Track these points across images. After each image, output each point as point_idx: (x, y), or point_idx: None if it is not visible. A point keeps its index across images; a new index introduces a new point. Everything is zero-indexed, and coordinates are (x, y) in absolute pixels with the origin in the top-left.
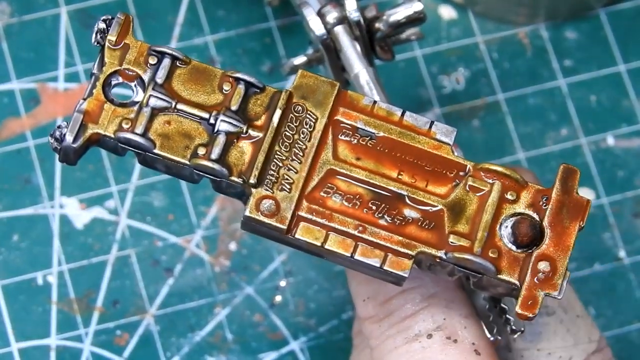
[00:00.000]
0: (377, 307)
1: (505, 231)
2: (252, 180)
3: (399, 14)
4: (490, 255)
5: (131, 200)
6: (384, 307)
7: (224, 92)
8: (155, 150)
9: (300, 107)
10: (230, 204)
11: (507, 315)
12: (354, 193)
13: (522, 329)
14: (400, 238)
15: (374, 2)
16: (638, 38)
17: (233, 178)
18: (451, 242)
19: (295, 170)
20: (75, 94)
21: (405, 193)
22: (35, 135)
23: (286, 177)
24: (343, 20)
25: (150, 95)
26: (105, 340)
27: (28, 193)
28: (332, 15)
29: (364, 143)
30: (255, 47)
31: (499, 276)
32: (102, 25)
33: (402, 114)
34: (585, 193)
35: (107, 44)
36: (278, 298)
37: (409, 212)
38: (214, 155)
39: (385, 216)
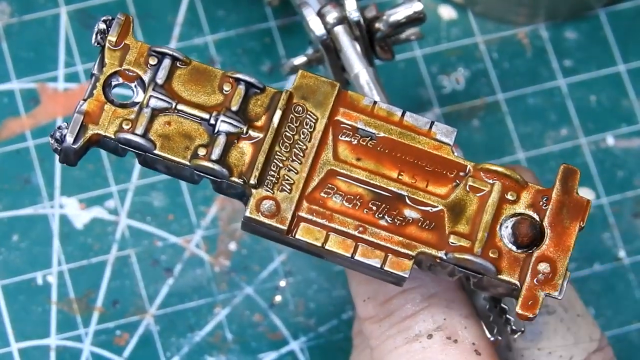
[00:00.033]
0: (378, 307)
1: (505, 231)
2: (252, 181)
3: (399, 14)
4: (491, 255)
5: (131, 200)
6: (384, 307)
7: (224, 92)
8: (156, 151)
9: (300, 108)
10: (230, 204)
11: (508, 315)
12: (354, 193)
13: (523, 329)
14: (401, 238)
15: (374, 2)
16: (638, 38)
17: (233, 179)
18: (451, 243)
19: (295, 171)
20: (75, 94)
21: (405, 193)
22: (35, 135)
23: (286, 177)
24: (343, 20)
25: (151, 96)
26: (105, 340)
27: (28, 193)
28: (332, 16)
29: (364, 143)
30: (255, 47)
31: (499, 276)
32: (102, 26)
33: (403, 115)
34: (585, 193)
35: (107, 44)
36: (278, 298)
37: (409, 213)
38: (214, 156)
39: (386, 217)
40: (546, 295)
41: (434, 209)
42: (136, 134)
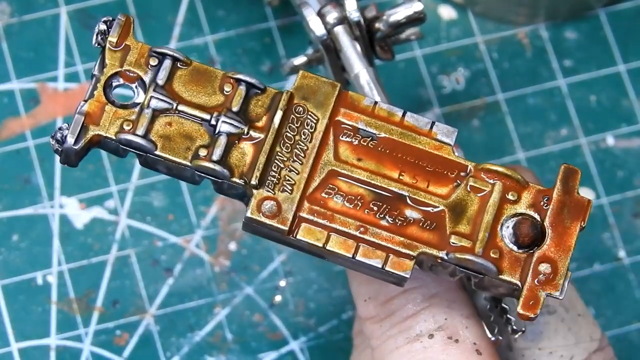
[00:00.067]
0: (378, 307)
1: (506, 231)
2: (253, 182)
3: (399, 14)
4: (492, 255)
5: (131, 200)
6: (385, 307)
7: (225, 93)
8: (157, 152)
9: (301, 108)
10: (230, 204)
11: (508, 315)
12: (355, 194)
13: (524, 328)
14: (402, 239)
15: (374, 2)
16: (638, 38)
17: (234, 179)
18: (452, 243)
19: (296, 171)
20: (75, 94)
21: (406, 194)
22: (35, 135)
23: (287, 178)
24: (343, 20)
25: (152, 97)
26: (105, 340)
27: (28, 193)
28: (332, 16)
29: (365, 144)
30: (255, 47)
31: (500, 277)
32: (103, 27)
33: (403, 115)
34: (585, 193)
35: (107, 45)
36: (278, 298)
37: (410, 213)
38: (215, 157)
39: (387, 217)
40: (547, 295)
41: (435, 209)
42: (137, 135)
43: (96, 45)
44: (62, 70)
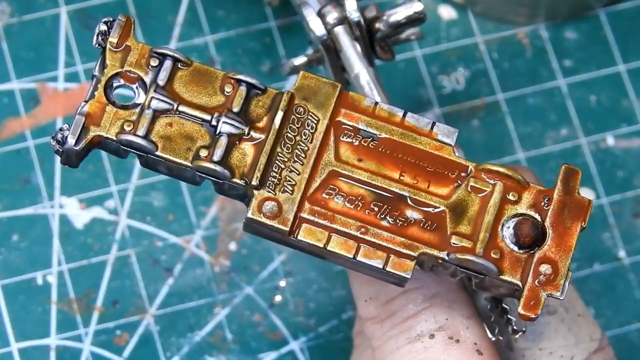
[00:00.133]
0: (379, 308)
1: (507, 232)
2: (254, 182)
3: (399, 14)
4: (493, 256)
5: (131, 200)
6: (386, 307)
7: (226, 93)
8: (157, 153)
9: (302, 109)
10: (230, 204)
11: (509, 316)
12: (356, 194)
13: (524, 329)
14: (403, 239)
15: (374, 2)
16: (638, 38)
17: (235, 180)
18: (453, 243)
19: (297, 172)
20: (75, 94)
21: (407, 194)
22: (35, 135)
23: (288, 178)
24: (343, 20)
25: (152, 97)
26: (105, 340)
27: (28, 193)
28: (332, 16)
29: (365, 144)
30: (255, 47)
31: (501, 277)
32: (104, 27)
33: (404, 115)
34: (585, 193)
35: (108, 46)
36: (278, 298)
37: (411, 213)
38: (216, 157)
39: (388, 217)
40: (548, 295)
41: (436, 210)
42: (138, 136)
43: (97, 45)
44: (62, 70)
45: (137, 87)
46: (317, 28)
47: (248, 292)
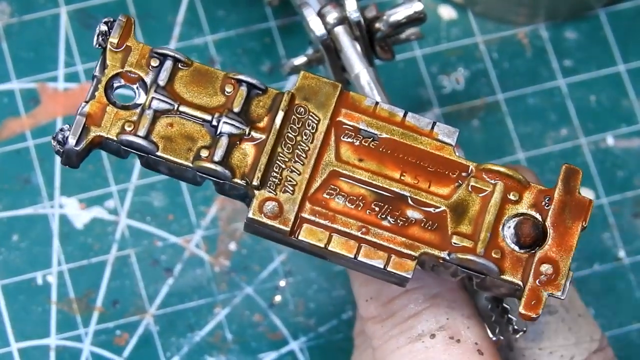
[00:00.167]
0: (380, 308)
1: (508, 232)
2: (255, 182)
3: (399, 14)
4: (493, 255)
5: (131, 200)
6: (387, 307)
7: (226, 94)
8: (158, 153)
9: (302, 109)
10: (230, 204)
11: (509, 315)
12: (356, 194)
13: (525, 328)
14: (404, 239)
15: (374, 2)
16: (638, 38)
17: (236, 180)
18: (454, 243)
19: (298, 172)
20: (75, 94)
21: (408, 194)
22: (35, 135)
23: (289, 178)
24: (343, 20)
25: (153, 98)
26: (105, 340)
27: (28, 193)
28: (332, 16)
29: (366, 144)
30: (255, 47)
31: (502, 277)
32: (104, 28)
33: (404, 115)
34: (585, 193)
35: (108, 46)
36: (278, 298)
37: (411, 213)
38: (216, 157)
39: (388, 217)
40: (549, 295)
41: (437, 210)
42: (138, 136)
43: (97, 46)
44: (62, 70)
45: (137, 88)
46: (317, 28)
47: (248, 292)
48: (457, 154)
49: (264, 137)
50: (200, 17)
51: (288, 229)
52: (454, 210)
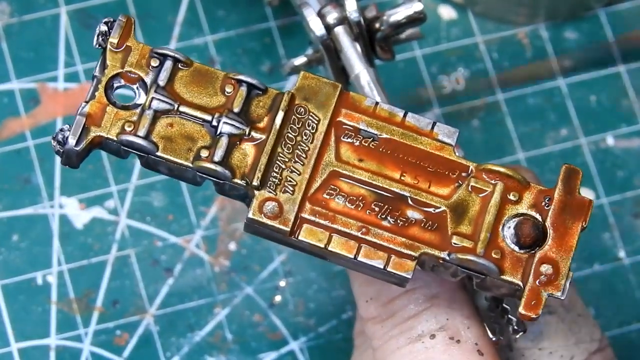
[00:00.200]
0: (380, 308)
1: (508, 232)
2: (255, 183)
3: (399, 14)
4: (493, 256)
5: (131, 200)
6: (387, 307)
7: (226, 94)
8: (158, 153)
9: (302, 109)
10: (230, 204)
11: (509, 315)
12: (356, 194)
13: (524, 328)
14: (403, 239)
15: (374, 2)
16: (638, 38)
17: (236, 180)
18: (454, 243)
19: (298, 172)
20: (75, 94)
21: (408, 194)
22: (35, 135)
23: (289, 179)
24: (343, 20)
25: (153, 98)
26: (105, 340)
27: (28, 193)
28: (332, 16)
29: (366, 144)
30: (255, 47)
31: (502, 277)
32: (104, 28)
33: (404, 115)
34: (585, 193)
35: (108, 46)
36: (278, 298)
37: (411, 214)
38: (216, 158)
39: (388, 217)
40: (549, 295)
41: (437, 210)
42: (138, 136)
43: (97, 46)
44: (62, 70)
45: (137, 88)
46: (317, 28)
47: (248, 292)
48: (457, 154)
49: (264, 137)
50: (200, 17)
51: (288, 229)
52: (454, 211)
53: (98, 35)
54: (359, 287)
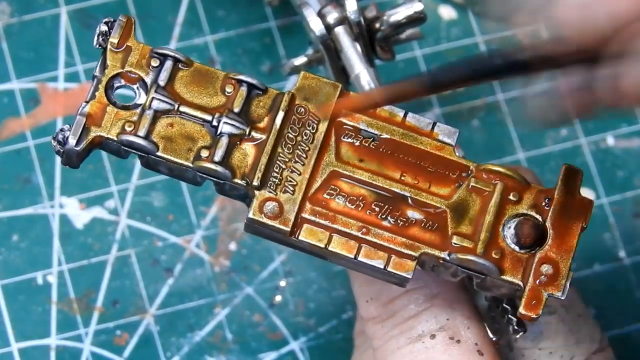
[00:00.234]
0: (380, 308)
1: (508, 232)
2: (255, 183)
3: (399, 14)
4: (494, 256)
5: (131, 200)
6: (387, 307)
7: (227, 94)
8: (158, 153)
9: (302, 109)
10: (230, 204)
11: (509, 315)
12: (357, 194)
13: (524, 329)
14: (404, 239)
15: (374, 2)
16: None
17: (236, 180)
18: (454, 243)
19: (298, 172)
20: (75, 93)
21: (408, 194)
22: (35, 135)
23: (289, 179)
24: (343, 20)
25: (153, 98)
26: (105, 340)
27: (28, 193)
28: (332, 16)
29: (366, 144)
30: (255, 47)
31: (502, 277)
32: (104, 28)
33: (405, 115)
34: (585, 193)
35: (109, 46)
36: (278, 298)
37: (412, 214)
38: (217, 158)
39: (389, 217)
40: (549, 295)
41: (437, 210)
42: (139, 136)
43: (97, 46)
44: (62, 70)
45: (138, 88)
46: (317, 28)
47: (248, 292)
48: (457, 154)
49: (264, 137)
50: (200, 17)
51: (288, 229)
52: (454, 211)
53: (98, 35)
54: (359, 287)
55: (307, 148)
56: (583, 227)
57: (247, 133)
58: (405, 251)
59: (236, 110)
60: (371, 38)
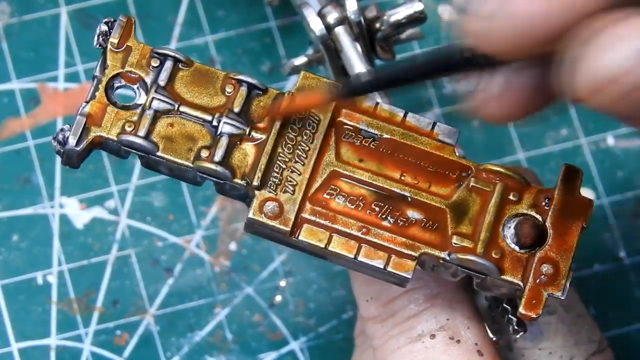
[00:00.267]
0: (380, 308)
1: (508, 232)
2: (255, 183)
3: (399, 14)
4: (494, 256)
5: (131, 200)
6: (387, 307)
7: (227, 94)
8: (159, 153)
9: None
10: (230, 204)
11: (510, 315)
12: (357, 194)
13: (525, 329)
14: (404, 239)
15: (374, 2)
16: None
17: (236, 180)
18: (454, 243)
19: (298, 172)
20: (75, 93)
21: (408, 194)
22: (35, 135)
23: (289, 179)
24: (343, 20)
25: (153, 98)
26: (105, 340)
27: (28, 193)
28: (332, 16)
29: (366, 144)
30: (255, 47)
31: (502, 277)
32: (104, 28)
33: (405, 115)
34: (586, 193)
35: (109, 46)
36: (278, 298)
37: (412, 214)
38: (217, 158)
39: (389, 217)
40: (549, 295)
41: (437, 210)
42: (139, 136)
43: (97, 46)
44: (62, 70)
45: (138, 88)
46: (317, 28)
47: (248, 292)
48: (457, 154)
49: (264, 137)
50: (200, 17)
51: (288, 229)
52: (454, 211)
53: (98, 35)
54: (360, 287)
55: (307, 148)
56: (583, 227)
57: (247, 133)
58: (405, 251)
59: (236, 110)
60: (371, 38)
